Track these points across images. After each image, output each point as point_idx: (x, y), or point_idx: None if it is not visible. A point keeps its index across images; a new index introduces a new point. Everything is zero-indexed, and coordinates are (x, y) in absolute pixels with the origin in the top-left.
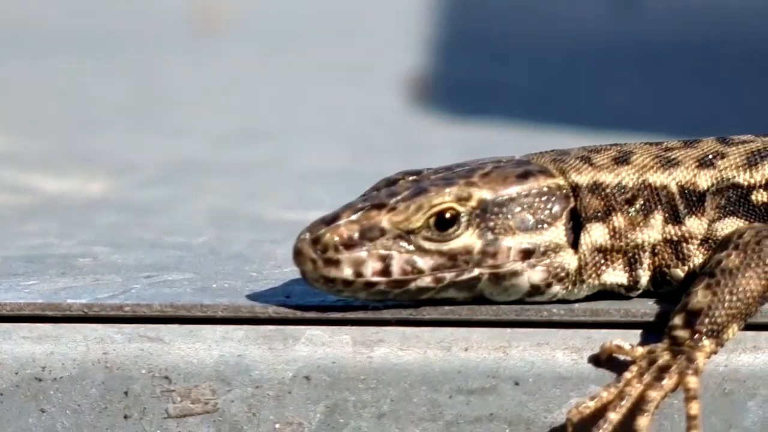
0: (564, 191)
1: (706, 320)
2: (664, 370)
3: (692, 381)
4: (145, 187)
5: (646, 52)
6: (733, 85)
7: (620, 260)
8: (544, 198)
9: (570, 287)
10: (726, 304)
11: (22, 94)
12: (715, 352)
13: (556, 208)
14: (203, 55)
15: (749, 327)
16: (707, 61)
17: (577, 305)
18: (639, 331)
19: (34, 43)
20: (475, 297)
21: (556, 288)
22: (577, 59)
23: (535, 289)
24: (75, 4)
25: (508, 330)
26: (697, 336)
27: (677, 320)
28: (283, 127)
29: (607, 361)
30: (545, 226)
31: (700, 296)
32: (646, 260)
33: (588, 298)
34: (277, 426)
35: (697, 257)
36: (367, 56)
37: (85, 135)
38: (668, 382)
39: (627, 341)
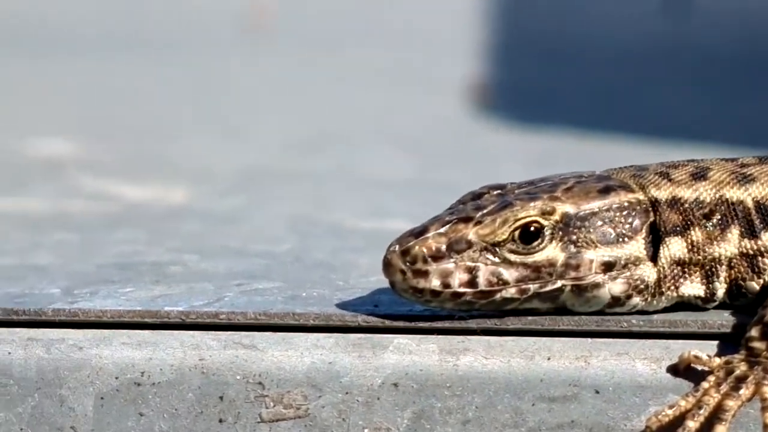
0: (644, 206)
1: None
2: (741, 380)
3: None
4: (223, 195)
5: (697, 54)
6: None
7: (698, 273)
8: (624, 212)
9: (649, 299)
10: None
11: (88, 97)
12: None
13: (637, 222)
14: (255, 55)
15: None
16: (759, 64)
17: (655, 316)
18: (716, 342)
19: (90, 45)
20: (557, 308)
21: (636, 299)
22: (630, 62)
23: (616, 301)
24: (125, 6)
25: (589, 340)
26: None
27: (754, 332)
28: (347, 132)
29: (685, 370)
30: (626, 239)
31: None
32: (723, 273)
33: (666, 310)
34: (366, 431)
35: None
36: (423, 60)
37: (158, 140)
38: (745, 392)
39: (704, 352)
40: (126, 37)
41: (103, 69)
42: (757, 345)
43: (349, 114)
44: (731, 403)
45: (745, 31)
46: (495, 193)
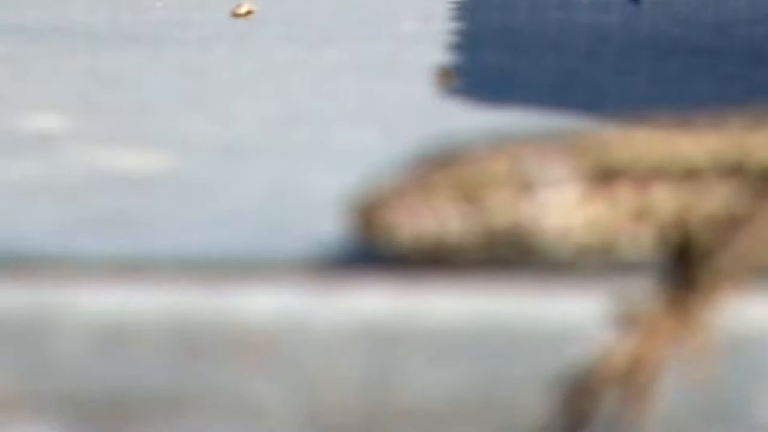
0: None
1: None
2: None
3: None
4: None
5: (667, 40)
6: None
7: None
8: None
9: None
10: None
11: (82, 80)
12: None
13: None
14: (238, 45)
15: None
16: (721, 50)
17: None
18: None
19: (86, 33)
20: None
21: None
22: (593, 52)
23: None
24: None
25: None
26: None
27: None
28: (321, 111)
29: None
30: None
31: None
32: None
33: None
34: None
35: None
36: (397, 48)
37: (141, 117)
38: None
39: None
40: (119, 27)
41: (96, 55)
42: None
43: (325, 96)
44: None
45: (712, 19)
46: None
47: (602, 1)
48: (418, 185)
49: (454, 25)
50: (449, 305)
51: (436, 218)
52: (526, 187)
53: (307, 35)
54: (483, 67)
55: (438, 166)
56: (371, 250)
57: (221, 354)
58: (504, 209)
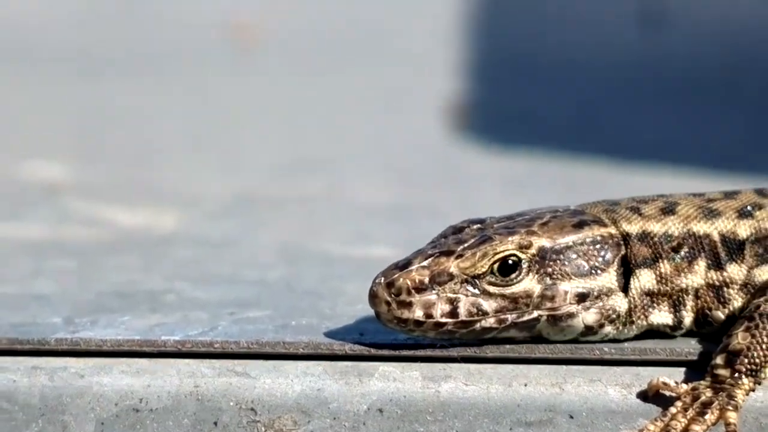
0: (616, 240)
1: (746, 360)
2: (706, 405)
3: (732, 416)
4: (213, 221)
5: (675, 76)
6: (762, 112)
7: (666, 303)
8: (597, 246)
9: (620, 327)
10: (764, 346)
11: (78, 118)
12: (753, 390)
13: (609, 256)
14: (245, 74)
15: None
16: (736, 86)
17: (626, 344)
18: (683, 369)
19: (79, 65)
20: (534, 336)
21: (608, 328)
22: (610, 85)
23: (589, 330)
24: (113, 25)
25: (564, 367)
26: (737, 375)
27: (719, 360)
28: (333, 156)
29: (654, 396)
30: (598, 271)
31: (740, 338)
32: (690, 303)
33: (636, 338)
34: None
35: (737, 301)
36: (405, 80)
37: (148, 164)
38: (710, 416)
39: (672, 378)
40: (115, 59)
41: (91, 90)
42: (722, 372)
43: (335, 137)
44: (697, 428)
45: (723, 46)
46: (475, 227)
47: (617, 27)
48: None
49: (466, 53)
50: None
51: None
52: None
53: (309, 61)
54: (499, 103)
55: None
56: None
57: None
58: None
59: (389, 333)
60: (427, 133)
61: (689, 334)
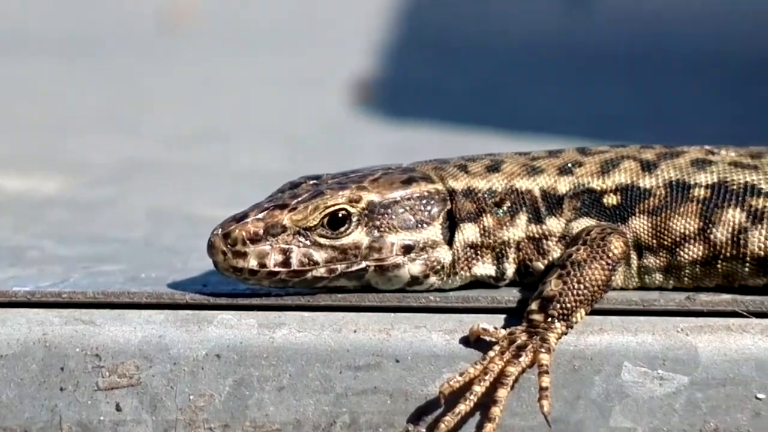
0: (442, 195)
1: (558, 306)
2: (521, 348)
3: (545, 358)
4: (95, 186)
5: (587, 54)
6: (658, 87)
7: (489, 255)
8: (424, 201)
9: (445, 278)
10: (575, 292)
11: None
12: (565, 333)
13: (435, 210)
14: (168, 55)
15: (596, 312)
16: (638, 64)
17: (451, 293)
18: (504, 316)
19: (9, 46)
20: (364, 286)
21: (433, 279)
22: (520, 62)
23: (415, 280)
24: (48, 6)
25: (392, 315)
26: (549, 319)
27: (533, 306)
28: (232, 128)
29: (475, 341)
30: (424, 225)
31: (553, 285)
32: (512, 255)
33: (462, 288)
34: (192, 397)
35: (556, 252)
36: (321, 61)
37: (51, 136)
38: (525, 359)
39: (493, 324)
40: (46, 39)
41: (11, 68)
42: (536, 317)
43: (240, 112)
44: (512, 369)
45: (644, 30)
46: (311, 182)
47: (540, 11)
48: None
49: (387, 35)
50: None
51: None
52: None
53: (233, 43)
54: (406, 80)
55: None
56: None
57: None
58: None
59: (230, 283)
60: (331, 109)
61: (512, 284)
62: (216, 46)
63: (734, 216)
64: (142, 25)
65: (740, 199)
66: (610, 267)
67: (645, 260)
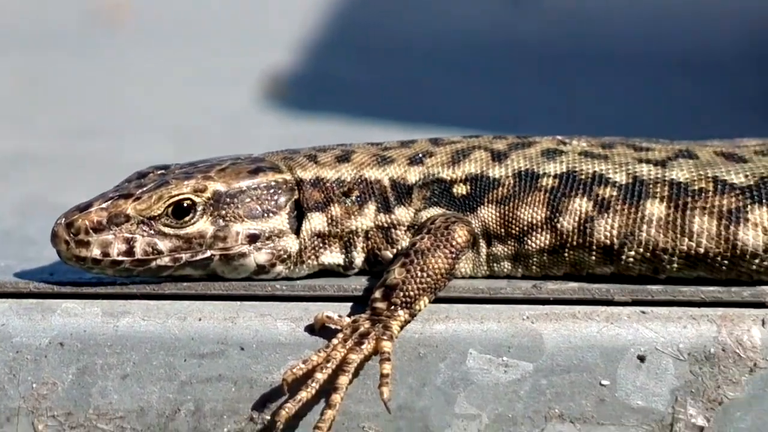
0: (290, 185)
1: (401, 293)
2: (364, 336)
3: (387, 345)
4: None
5: (514, 52)
6: (583, 84)
7: (337, 244)
8: (271, 191)
9: (292, 267)
10: (418, 280)
11: None
12: (408, 321)
13: (281, 200)
14: (91, 51)
15: (442, 300)
16: (566, 62)
17: (298, 282)
18: (350, 304)
19: None
20: (210, 275)
21: (280, 267)
22: (445, 60)
23: (261, 269)
24: None
25: (237, 303)
26: (393, 307)
27: (377, 294)
28: (130, 123)
29: (320, 329)
30: (271, 214)
31: (396, 273)
32: (360, 244)
33: (311, 276)
34: (35, 386)
35: (405, 241)
36: (240, 56)
37: None
38: (367, 346)
39: (339, 312)
40: None
41: None
42: (379, 305)
43: (142, 106)
44: (354, 357)
45: (575, 29)
46: (158, 172)
47: (477, 10)
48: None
49: (316, 32)
50: None
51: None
52: None
53: (164, 38)
54: (325, 76)
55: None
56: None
57: None
58: None
59: (78, 273)
60: (239, 103)
61: (363, 273)
62: (140, 40)
63: (581, 205)
64: (68, 20)
65: (588, 188)
66: (453, 255)
67: (494, 248)
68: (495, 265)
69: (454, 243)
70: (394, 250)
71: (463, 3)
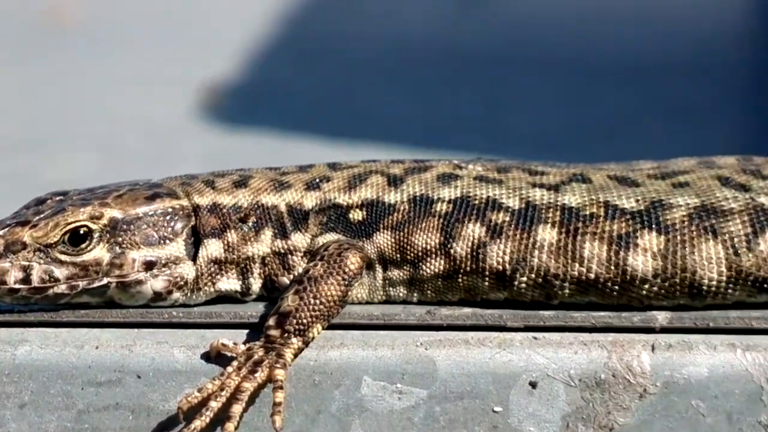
0: (186, 211)
1: (294, 321)
2: (257, 364)
3: (280, 373)
4: None
5: (459, 58)
6: (517, 92)
7: (234, 270)
8: (168, 217)
9: (189, 294)
10: (311, 307)
11: None
12: (302, 349)
13: (178, 226)
14: (37, 56)
15: (338, 326)
16: (506, 67)
17: (196, 309)
18: (247, 331)
19: None
20: (107, 302)
21: (177, 294)
22: (389, 67)
23: (158, 296)
24: None
25: (135, 330)
26: (286, 335)
27: (271, 321)
28: (53, 136)
29: (216, 357)
30: (167, 241)
31: (289, 300)
32: (257, 270)
33: (209, 303)
34: None
35: (301, 267)
36: (178, 64)
37: None
38: (260, 374)
39: (234, 340)
40: None
41: None
42: (273, 333)
43: (66, 117)
44: (248, 385)
45: (531, 35)
46: (57, 198)
47: (423, 16)
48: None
49: (260, 40)
50: None
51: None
52: None
53: (107, 46)
54: (263, 85)
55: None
56: None
57: None
58: None
59: None
60: (174, 114)
61: (261, 299)
62: (77, 48)
63: (474, 231)
64: (23, 26)
65: (481, 213)
66: (346, 282)
67: (389, 274)
68: (391, 290)
69: (346, 270)
70: (291, 276)
71: (410, 10)
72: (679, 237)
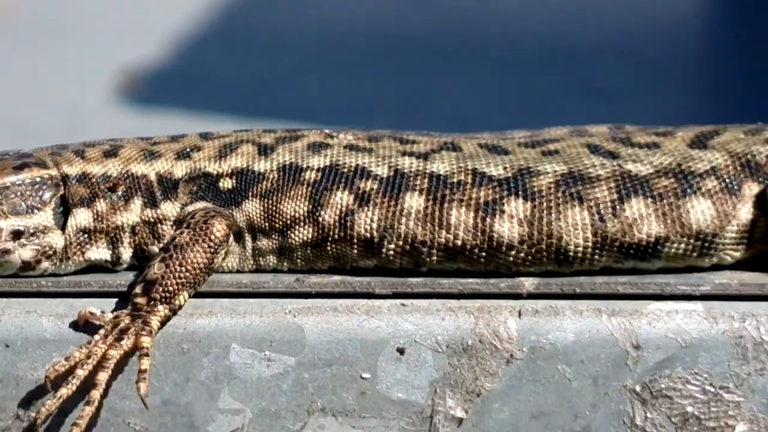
0: (55, 181)
1: (160, 288)
2: (123, 332)
3: (146, 341)
4: None
5: (399, 45)
6: (458, 77)
7: (103, 240)
8: (36, 186)
9: (58, 263)
10: (177, 275)
11: None
12: (169, 317)
13: (46, 195)
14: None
15: (206, 295)
16: (449, 55)
17: (64, 278)
18: (116, 300)
19: None
20: None
21: (46, 264)
22: (322, 53)
23: (27, 265)
24: None
25: (3, 300)
26: (152, 302)
27: (138, 289)
28: None
29: (85, 325)
30: (35, 210)
31: (156, 268)
32: (127, 239)
33: (79, 272)
34: None
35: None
36: (99, 50)
37: None
38: (126, 342)
39: (103, 309)
40: None
41: None
42: (140, 300)
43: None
44: (114, 353)
45: (475, 23)
46: None
47: (366, 3)
48: None
49: (192, 26)
50: None
51: None
52: None
53: (34, 32)
54: (186, 69)
55: None
56: None
57: None
58: None
59: None
60: (93, 99)
61: (133, 268)
62: (14, 34)
63: (342, 198)
64: None
65: (349, 182)
66: (212, 250)
67: (259, 243)
68: (261, 259)
69: (212, 237)
70: (161, 245)
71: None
72: (545, 203)
